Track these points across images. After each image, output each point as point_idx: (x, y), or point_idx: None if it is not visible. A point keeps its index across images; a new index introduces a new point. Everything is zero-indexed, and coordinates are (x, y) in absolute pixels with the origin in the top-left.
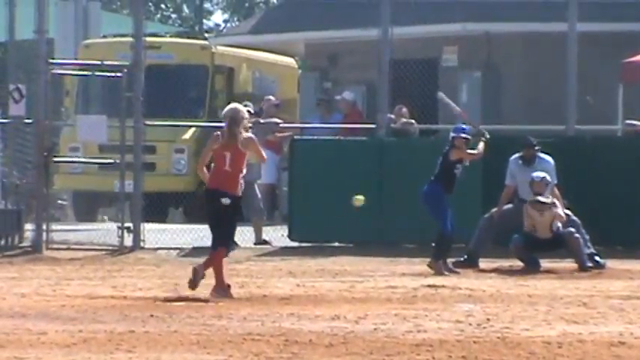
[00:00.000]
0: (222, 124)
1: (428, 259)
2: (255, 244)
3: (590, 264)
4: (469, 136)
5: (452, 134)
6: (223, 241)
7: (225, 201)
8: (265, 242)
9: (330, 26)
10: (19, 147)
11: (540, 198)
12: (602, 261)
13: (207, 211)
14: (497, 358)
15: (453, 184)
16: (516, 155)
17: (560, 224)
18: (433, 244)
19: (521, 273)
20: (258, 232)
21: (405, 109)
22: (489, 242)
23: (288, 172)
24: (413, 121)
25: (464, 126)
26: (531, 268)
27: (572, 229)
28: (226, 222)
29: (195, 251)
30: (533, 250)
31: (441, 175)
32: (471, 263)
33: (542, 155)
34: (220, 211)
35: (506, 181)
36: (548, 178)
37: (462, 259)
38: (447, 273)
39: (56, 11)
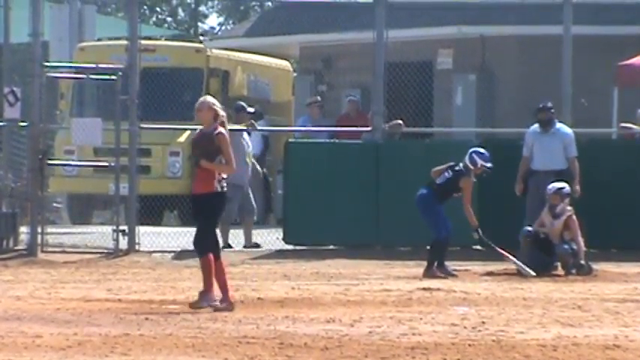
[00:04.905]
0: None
1: (423, 262)
2: (244, 246)
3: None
4: (490, 167)
5: (477, 160)
6: None
7: None
8: (256, 245)
9: (325, 29)
10: (14, 150)
11: (557, 209)
12: (594, 267)
13: None
14: None
15: (446, 199)
16: (534, 125)
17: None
18: (428, 247)
19: (516, 276)
20: (248, 235)
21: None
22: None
23: (283, 175)
24: (400, 122)
25: (483, 151)
26: (538, 266)
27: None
28: None
29: (191, 254)
30: (536, 247)
31: (440, 189)
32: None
33: (562, 126)
34: None
35: (524, 152)
36: (565, 190)
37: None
38: (442, 275)
39: (51, 14)
